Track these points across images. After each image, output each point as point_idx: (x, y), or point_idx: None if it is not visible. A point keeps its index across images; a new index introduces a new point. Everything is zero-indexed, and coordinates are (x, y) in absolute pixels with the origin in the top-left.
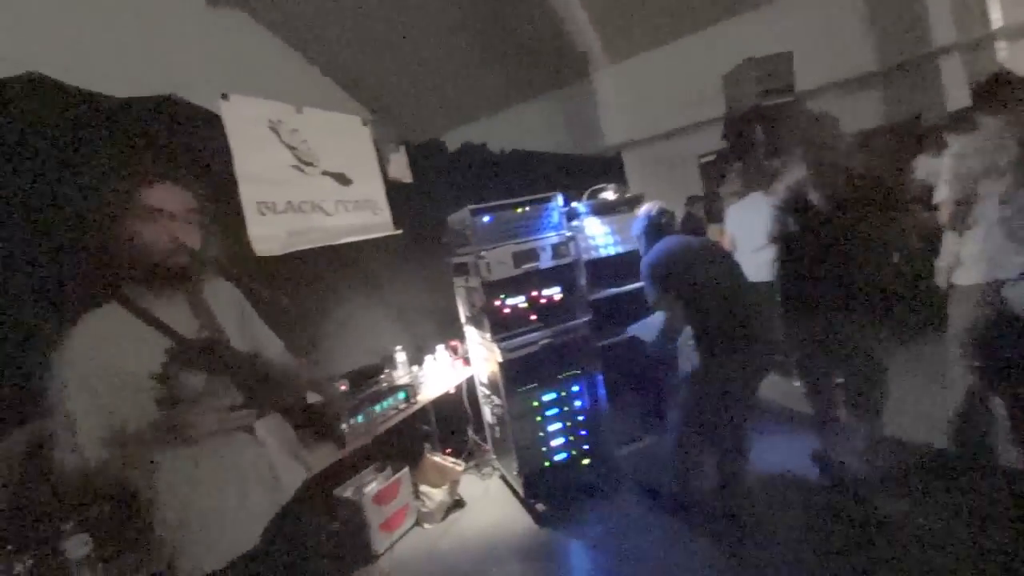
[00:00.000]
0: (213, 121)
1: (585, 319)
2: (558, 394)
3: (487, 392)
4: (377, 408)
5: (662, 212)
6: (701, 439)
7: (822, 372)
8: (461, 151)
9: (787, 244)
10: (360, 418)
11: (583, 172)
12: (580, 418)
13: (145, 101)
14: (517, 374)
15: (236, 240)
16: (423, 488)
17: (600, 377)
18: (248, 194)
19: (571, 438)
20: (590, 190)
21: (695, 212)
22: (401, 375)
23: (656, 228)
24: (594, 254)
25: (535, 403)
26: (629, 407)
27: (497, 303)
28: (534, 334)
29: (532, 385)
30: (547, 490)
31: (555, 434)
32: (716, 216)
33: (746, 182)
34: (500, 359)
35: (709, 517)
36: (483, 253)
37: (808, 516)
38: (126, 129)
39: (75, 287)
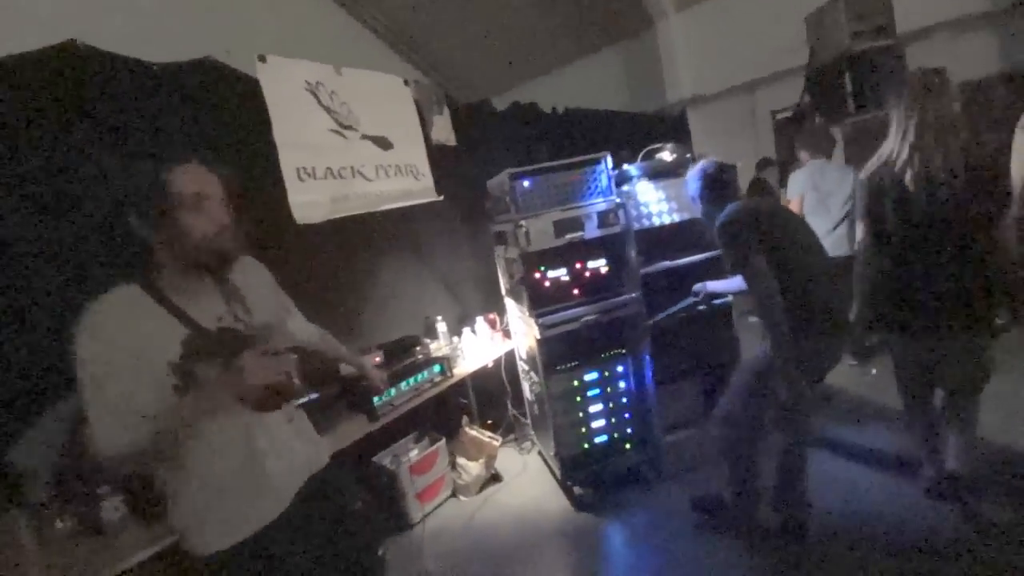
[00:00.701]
0: (251, 85)
1: (634, 295)
2: (601, 374)
3: (526, 368)
4: (411, 381)
5: (721, 167)
6: (756, 432)
7: (924, 382)
8: (510, 111)
9: (879, 226)
10: (392, 392)
11: (644, 132)
12: (624, 400)
13: (179, 67)
14: (557, 352)
15: (275, 209)
16: (460, 460)
17: (648, 358)
18: (288, 160)
19: (613, 421)
20: (645, 151)
21: (766, 178)
22: (440, 346)
23: (718, 184)
24: (646, 223)
25: (575, 383)
26: (679, 391)
27: (536, 276)
28: (576, 309)
29: (573, 364)
30: (586, 474)
31: (596, 416)
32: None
33: (825, 143)
34: (538, 335)
35: (770, 528)
36: (522, 222)
37: (898, 523)
38: (162, 96)
39: (103, 269)
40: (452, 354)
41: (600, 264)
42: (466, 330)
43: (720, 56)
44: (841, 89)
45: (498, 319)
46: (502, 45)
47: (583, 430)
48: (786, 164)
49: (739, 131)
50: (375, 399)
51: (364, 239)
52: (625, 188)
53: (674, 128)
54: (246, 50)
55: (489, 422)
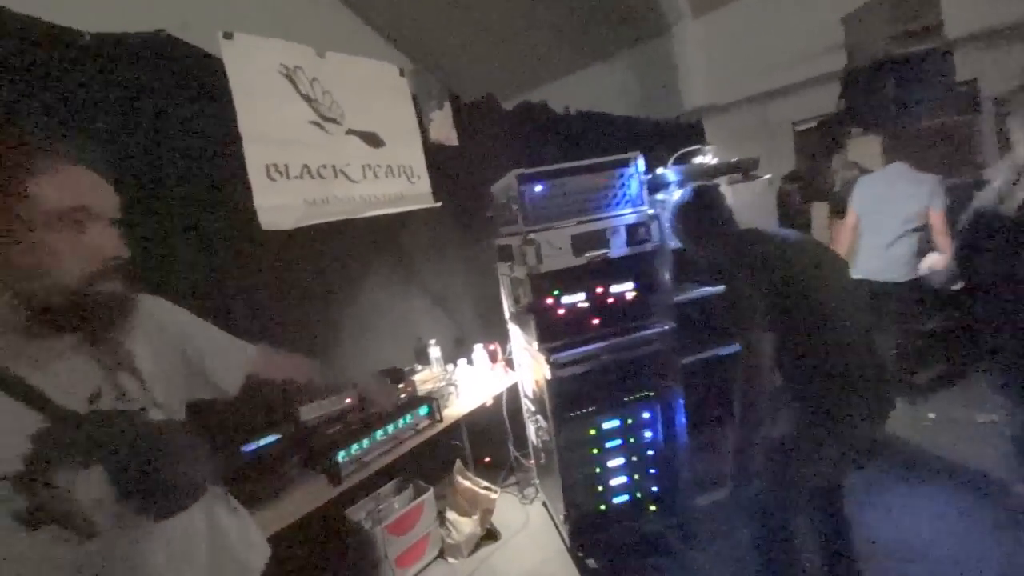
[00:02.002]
0: (211, 65)
1: (666, 327)
2: (623, 422)
3: (532, 409)
4: (389, 429)
5: (698, 192)
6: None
7: None
8: (519, 110)
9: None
10: (364, 443)
11: (659, 139)
12: (649, 453)
13: (118, 38)
14: (570, 395)
15: (234, 212)
16: (450, 516)
17: (680, 403)
18: (255, 156)
19: (636, 478)
20: (679, 153)
21: (792, 193)
22: (432, 375)
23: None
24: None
25: (591, 432)
26: (715, 444)
27: (548, 302)
28: (596, 344)
29: (589, 409)
30: (600, 540)
31: (615, 471)
32: (815, 196)
33: (886, 150)
34: (548, 375)
35: None
36: (531, 235)
37: None
38: (90, 74)
39: None
40: (443, 390)
41: (627, 289)
42: (461, 362)
43: (736, 64)
44: (883, 94)
45: (500, 349)
46: (510, 48)
47: (599, 488)
48: (811, 176)
49: (756, 142)
50: (340, 453)
51: (344, 249)
52: (660, 197)
53: (691, 136)
54: (210, 25)
55: (487, 459)
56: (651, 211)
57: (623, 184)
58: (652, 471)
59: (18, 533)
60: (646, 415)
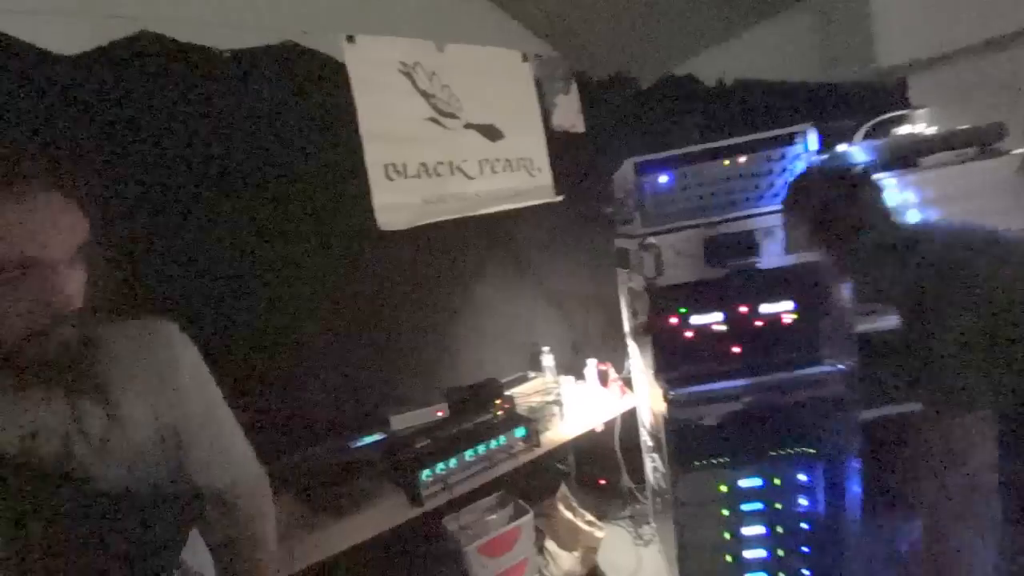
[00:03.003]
0: (336, 70)
1: (841, 366)
2: (766, 482)
3: (649, 444)
4: (479, 449)
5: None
6: None
7: None
8: (659, 87)
9: None
10: (452, 462)
11: (845, 108)
12: (803, 526)
13: (251, 53)
14: (694, 440)
15: (352, 213)
16: (550, 546)
17: (855, 466)
18: (374, 155)
19: (780, 554)
20: (873, 122)
21: None
22: (543, 384)
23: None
24: None
25: (722, 487)
26: (896, 522)
27: (671, 321)
28: (734, 382)
29: (720, 460)
30: None
31: (752, 542)
32: None
33: None
34: (666, 414)
35: None
36: (650, 238)
37: None
38: (230, 87)
39: None
40: (546, 409)
41: (783, 310)
42: (567, 379)
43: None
44: None
45: (611, 370)
46: (651, 14)
47: (728, 558)
48: None
49: (981, 107)
50: (424, 472)
51: (459, 247)
52: None
53: (889, 102)
54: (333, 29)
55: (601, 481)
56: None
57: (783, 169)
58: (805, 550)
59: None
60: (802, 477)
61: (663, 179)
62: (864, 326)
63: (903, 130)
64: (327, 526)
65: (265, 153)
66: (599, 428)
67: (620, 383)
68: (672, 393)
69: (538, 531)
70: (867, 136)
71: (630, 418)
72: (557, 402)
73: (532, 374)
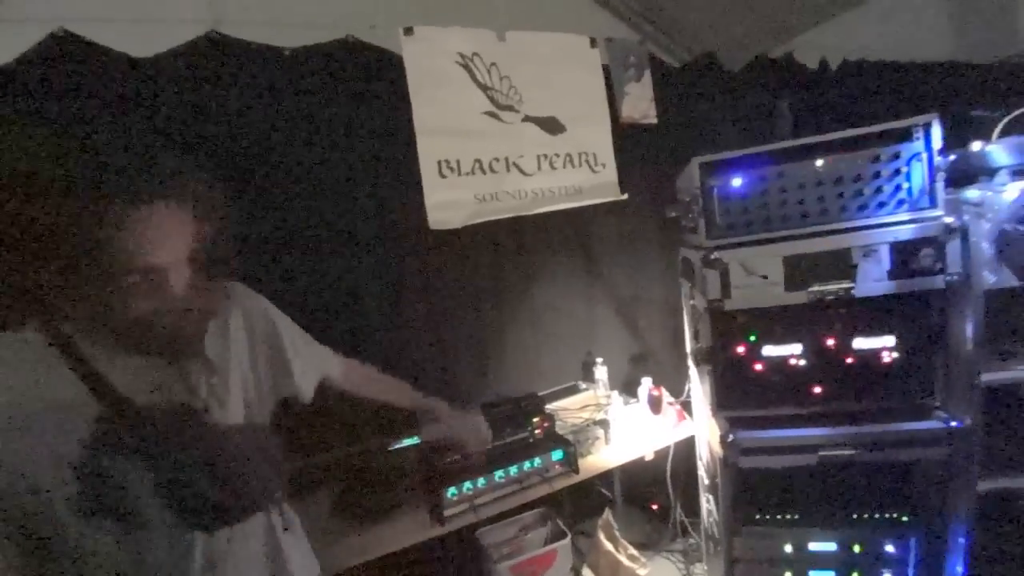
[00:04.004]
0: (395, 64)
1: (956, 423)
2: (843, 548)
3: (705, 481)
4: (512, 471)
5: None
6: None
7: None
8: (748, 71)
9: None
10: (481, 482)
11: (979, 95)
12: None
13: (311, 50)
14: (758, 493)
15: (406, 211)
16: (586, 574)
17: (961, 543)
18: (428, 151)
19: None
20: (1015, 113)
21: None
22: (587, 402)
23: None
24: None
25: (788, 547)
26: None
27: (738, 349)
28: (813, 430)
29: (788, 517)
30: None
31: None
32: None
33: None
34: (726, 458)
35: None
36: (716, 252)
37: None
38: (292, 85)
39: None
40: (589, 432)
41: (882, 346)
42: (618, 397)
43: None
44: None
45: (664, 394)
46: None
47: None
48: None
49: None
50: (449, 490)
51: (511, 246)
52: (972, 194)
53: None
54: (395, 21)
55: (654, 506)
56: (949, 219)
57: (895, 172)
58: None
59: (68, 519)
60: (890, 548)
61: (736, 182)
62: (993, 375)
63: None
64: (355, 533)
65: (321, 152)
66: (648, 457)
67: (678, 408)
68: (732, 437)
69: (577, 551)
70: (1006, 130)
71: (687, 445)
72: (604, 423)
73: (583, 385)
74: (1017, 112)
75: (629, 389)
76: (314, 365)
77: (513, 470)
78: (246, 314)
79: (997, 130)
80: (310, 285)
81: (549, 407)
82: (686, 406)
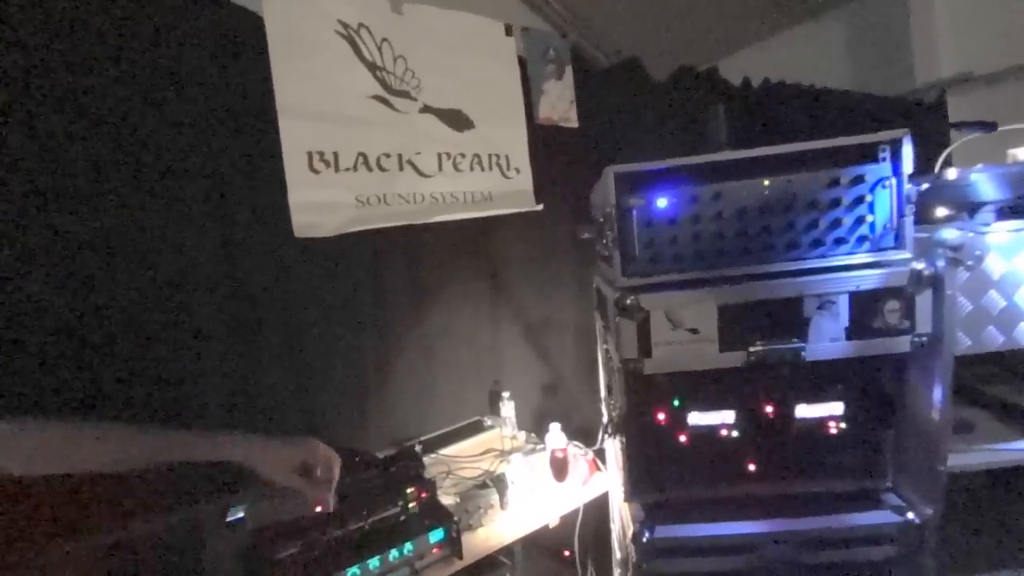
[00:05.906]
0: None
1: (912, 516)
2: None
3: (618, 554)
4: (372, 565)
5: None
6: None
7: None
8: (677, 79)
9: None
10: None
11: (883, 122)
12: None
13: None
14: None
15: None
16: None
17: None
18: (295, 139)
19: None
20: (956, 144)
21: None
22: (501, 437)
23: None
24: (1003, 333)
25: None
26: None
27: (660, 417)
28: (746, 525)
29: None
30: None
31: None
32: None
33: None
34: (638, 563)
35: None
36: (634, 297)
37: None
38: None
39: None
40: (481, 498)
41: (827, 414)
42: (523, 440)
43: (1012, 18)
44: None
45: (570, 453)
46: (683, 10)
47: None
48: None
49: None
50: None
51: (408, 258)
52: (950, 234)
53: (926, 121)
54: None
55: (566, 553)
56: (920, 265)
57: (856, 200)
58: None
59: None
60: None
61: (662, 203)
62: (960, 459)
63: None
64: None
65: (148, 135)
66: (553, 523)
67: (590, 459)
68: (647, 535)
69: None
70: (946, 162)
71: (601, 499)
72: (500, 481)
73: (488, 421)
74: (961, 140)
75: (539, 424)
76: None
77: (374, 563)
78: None
79: (940, 160)
80: (117, 313)
81: (444, 451)
82: (600, 454)
